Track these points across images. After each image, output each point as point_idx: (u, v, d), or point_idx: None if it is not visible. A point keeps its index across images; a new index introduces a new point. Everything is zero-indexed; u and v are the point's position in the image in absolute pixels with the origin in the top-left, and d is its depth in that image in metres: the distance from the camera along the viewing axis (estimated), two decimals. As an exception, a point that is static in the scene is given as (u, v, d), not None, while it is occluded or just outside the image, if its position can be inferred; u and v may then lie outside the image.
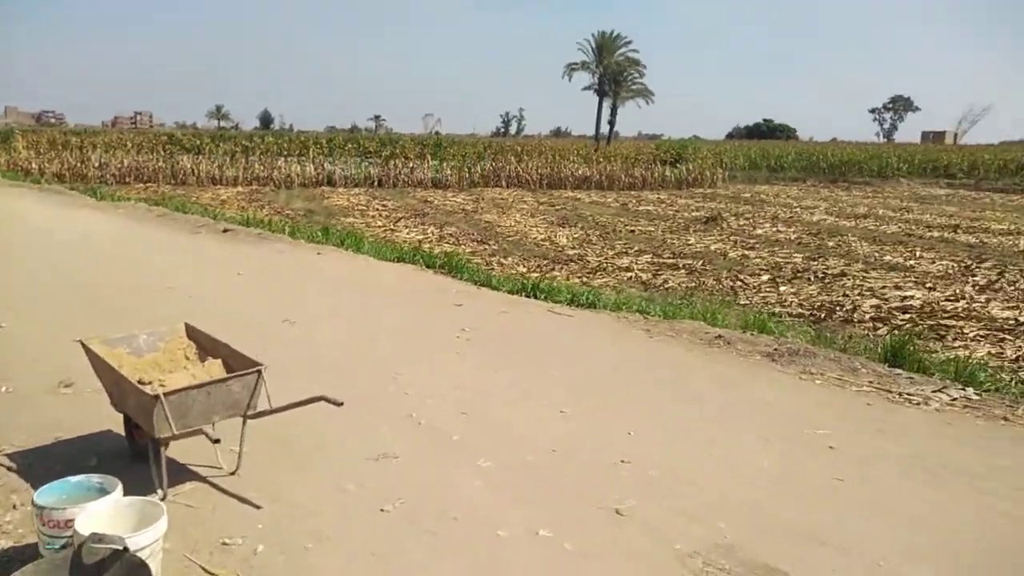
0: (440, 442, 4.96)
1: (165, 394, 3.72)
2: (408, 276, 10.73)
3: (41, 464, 4.41)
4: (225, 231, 14.43)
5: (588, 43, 61.38)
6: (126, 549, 2.98)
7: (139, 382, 4.05)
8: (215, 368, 4.37)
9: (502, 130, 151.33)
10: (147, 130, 75.08)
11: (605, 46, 60.55)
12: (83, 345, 4.29)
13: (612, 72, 60.54)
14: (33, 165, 31.53)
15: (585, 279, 12.45)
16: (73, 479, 3.57)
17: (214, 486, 4.27)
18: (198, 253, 12.25)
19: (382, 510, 4.06)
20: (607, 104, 62.54)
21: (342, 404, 4.02)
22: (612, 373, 6.55)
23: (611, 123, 63.82)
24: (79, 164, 32.42)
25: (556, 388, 6.08)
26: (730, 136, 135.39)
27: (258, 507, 4.05)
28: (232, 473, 4.40)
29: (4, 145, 34.64)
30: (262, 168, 34.12)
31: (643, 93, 62.72)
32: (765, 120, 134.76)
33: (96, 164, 32.98)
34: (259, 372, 4.09)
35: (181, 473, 4.39)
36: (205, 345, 4.58)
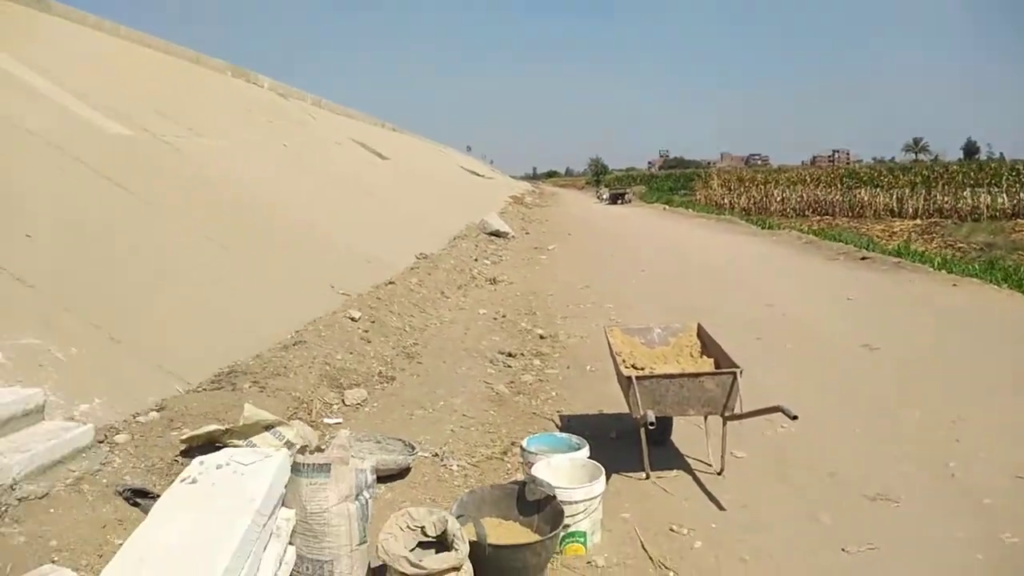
0: (967, 502, 4.04)
1: (638, 378, 4.03)
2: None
3: (578, 426, 5.20)
4: (863, 259, 13.99)
5: None
6: (554, 496, 3.40)
7: (633, 366, 4.46)
8: (706, 366, 4.49)
9: None
10: (840, 167, 76.52)
11: None
12: (604, 330, 4.92)
13: None
14: (725, 200, 35.81)
15: None
16: (557, 435, 4.19)
17: (696, 480, 4.40)
18: (818, 277, 12.24)
19: (843, 550, 3.58)
20: None
21: (796, 417, 3.72)
22: None
23: None
24: (762, 199, 35.48)
25: None
26: None
27: (722, 508, 4.03)
28: (718, 473, 4.45)
29: (705, 184, 40.17)
30: (944, 200, 31.58)
31: None
32: None
33: (778, 199, 35.57)
34: (734, 374, 4.05)
35: (675, 460, 4.64)
36: (707, 345, 4.73)
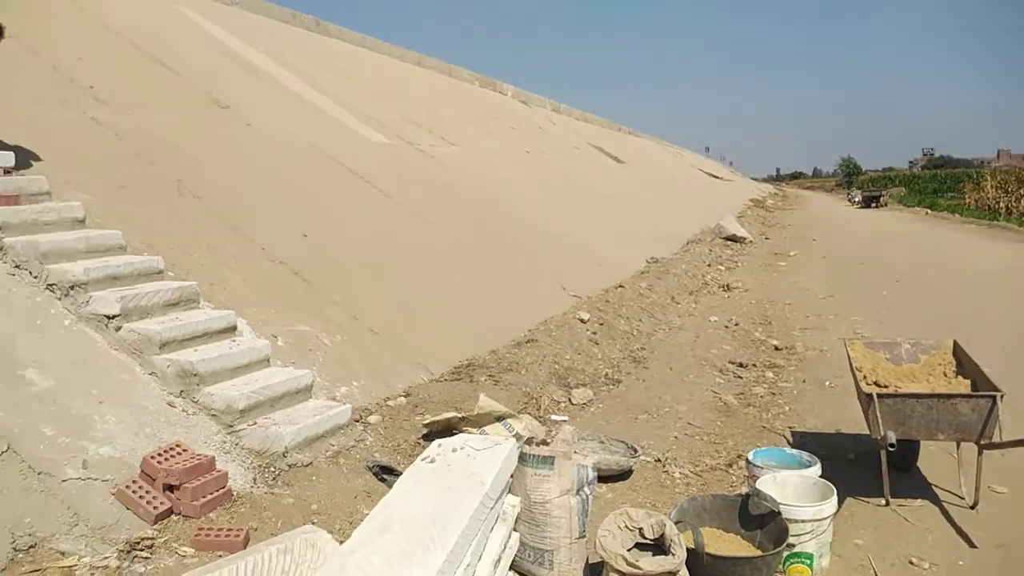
0: None
1: (879, 396, 3.76)
2: None
3: (812, 444, 4.94)
4: None
5: None
6: (779, 513, 3.29)
7: (875, 383, 4.17)
8: (960, 387, 4.07)
9: None
10: None
11: None
12: (844, 343, 4.63)
13: None
14: (1000, 204, 31.51)
15: None
16: (787, 450, 4.03)
17: (943, 511, 4.02)
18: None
19: None
20: None
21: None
22: None
23: None
24: (1050, 202, 30.86)
25: None
26: None
27: (973, 546, 3.65)
28: (971, 507, 4.03)
29: (976, 185, 35.70)
30: None
31: None
32: None
33: (1070, 202, 30.79)
34: (994, 398, 3.65)
35: (920, 489, 4.27)
36: (964, 365, 4.28)
